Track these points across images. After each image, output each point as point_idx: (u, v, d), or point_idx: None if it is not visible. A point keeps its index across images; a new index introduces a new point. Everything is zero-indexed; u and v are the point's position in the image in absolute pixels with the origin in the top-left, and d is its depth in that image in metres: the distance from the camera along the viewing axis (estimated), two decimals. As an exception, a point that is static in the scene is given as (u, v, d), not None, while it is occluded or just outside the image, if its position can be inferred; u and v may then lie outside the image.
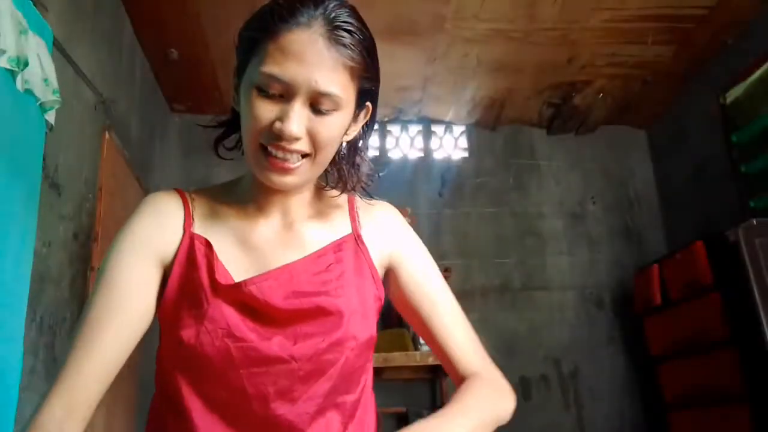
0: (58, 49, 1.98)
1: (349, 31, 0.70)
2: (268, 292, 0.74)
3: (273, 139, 0.71)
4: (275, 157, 0.71)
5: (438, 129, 3.94)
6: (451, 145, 3.92)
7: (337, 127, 0.73)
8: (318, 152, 0.73)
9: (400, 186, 3.68)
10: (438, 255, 3.38)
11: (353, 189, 0.83)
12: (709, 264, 2.71)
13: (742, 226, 2.59)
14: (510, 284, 3.68)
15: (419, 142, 3.90)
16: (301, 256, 0.78)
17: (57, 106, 1.85)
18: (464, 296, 3.58)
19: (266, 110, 0.70)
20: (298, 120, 0.69)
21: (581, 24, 3.06)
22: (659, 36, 3.18)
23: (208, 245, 0.77)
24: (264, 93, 0.70)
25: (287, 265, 0.77)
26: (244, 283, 0.74)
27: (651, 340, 3.21)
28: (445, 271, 3.34)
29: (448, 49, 3.25)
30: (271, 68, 0.69)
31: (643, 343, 3.27)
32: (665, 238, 3.84)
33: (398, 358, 2.86)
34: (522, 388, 3.45)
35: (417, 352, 2.97)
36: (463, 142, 3.94)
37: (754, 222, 2.60)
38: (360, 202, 0.89)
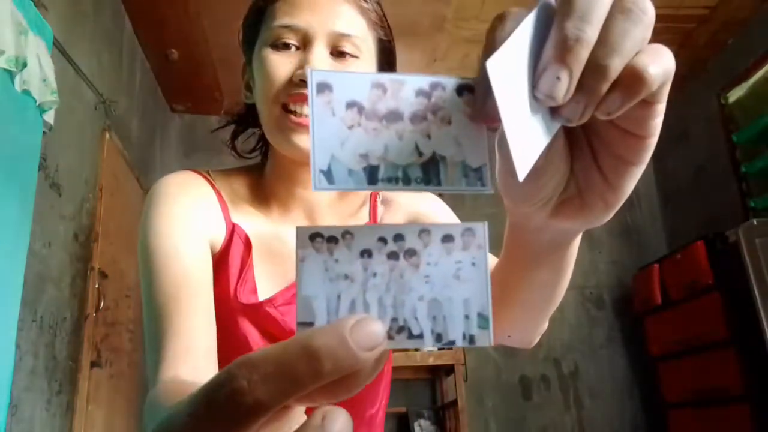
0: (58, 49, 1.98)
1: None
2: (289, 316, 0.68)
3: (294, 90, 0.64)
4: (298, 114, 0.64)
5: (438, 129, 3.94)
6: (451, 145, 3.92)
7: None
8: None
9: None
10: (438, 255, 3.39)
11: None
12: (709, 264, 2.71)
13: (742, 226, 2.59)
14: (510, 284, 3.68)
15: (419, 142, 3.89)
16: None
17: (55, 107, 1.85)
18: (464, 296, 3.57)
19: (283, 63, 0.66)
20: (320, 61, 0.64)
21: (581, 24, 3.06)
22: (659, 36, 3.14)
23: (247, 244, 0.69)
24: (279, 47, 0.66)
25: None
26: (265, 303, 0.68)
27: (651, 340, 3.21)
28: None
29: (449, 49, 3.24)
30: (283, 20, 0.66)
31: (643, 343, 3.27)
32: (665, 238, 3.83)
33: (398, 358, 2.85)
34: (522, 388, 3.45)
35: (417, 352, 2.97)
36: (463, 142, 3.94)
37: (754, 222, 2.60)
38: (385, 194, 0.82)
